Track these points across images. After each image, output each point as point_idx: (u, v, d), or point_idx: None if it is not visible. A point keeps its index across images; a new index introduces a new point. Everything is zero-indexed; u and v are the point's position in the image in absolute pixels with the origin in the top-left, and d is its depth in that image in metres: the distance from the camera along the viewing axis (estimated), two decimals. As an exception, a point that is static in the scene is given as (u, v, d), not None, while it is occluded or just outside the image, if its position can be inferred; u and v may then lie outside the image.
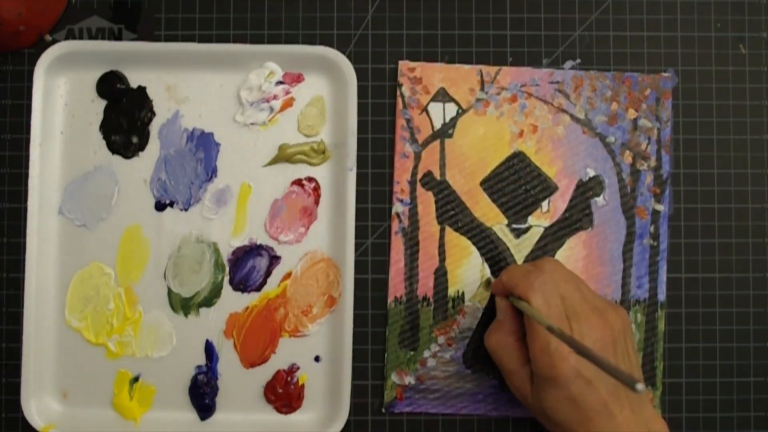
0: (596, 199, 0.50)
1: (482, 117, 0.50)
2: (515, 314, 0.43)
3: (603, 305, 0.42)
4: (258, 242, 0.50)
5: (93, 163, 0.50)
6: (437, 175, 0.50)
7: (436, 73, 0.50)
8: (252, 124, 0.50)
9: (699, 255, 0.50)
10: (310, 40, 0.51)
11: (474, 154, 0.50)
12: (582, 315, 0.41)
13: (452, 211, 0.50)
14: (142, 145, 0.50)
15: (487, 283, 0.50)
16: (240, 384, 0.49)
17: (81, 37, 0.51)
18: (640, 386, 0.31)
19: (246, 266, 0.49)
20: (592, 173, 0.50)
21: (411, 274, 0.50)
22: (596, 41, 0.51)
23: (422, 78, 0.50)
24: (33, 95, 0.49)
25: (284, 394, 0.49)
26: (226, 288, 0.50)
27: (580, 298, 0.42)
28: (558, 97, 0.50)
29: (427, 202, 0.50)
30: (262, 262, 0.50)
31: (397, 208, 0.50)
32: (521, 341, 0.43)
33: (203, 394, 0.49)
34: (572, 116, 0.50)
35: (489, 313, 0.48)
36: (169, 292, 0.49)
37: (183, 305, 0.49)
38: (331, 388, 0.49)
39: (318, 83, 0.50)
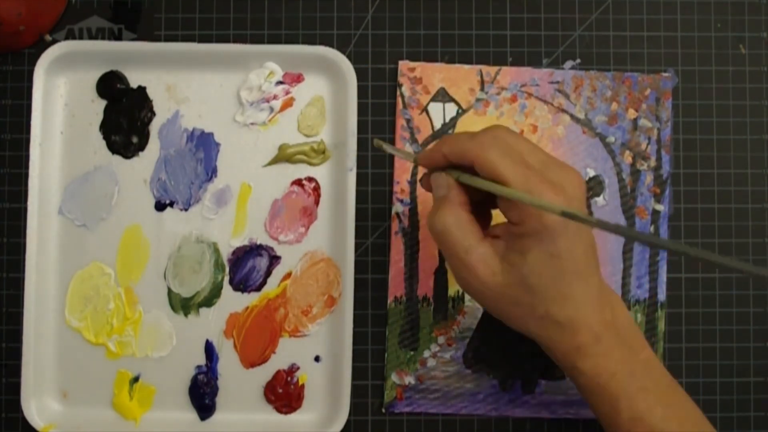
0: (596, 199, 0.50)
1: (482, 117, 0.50)
2: (460, 185, 0.38)
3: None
4: (258, 242, 0.50)
5: (93, 163, 0.50)
6: (437, 175, 0.50)
7: (436, 73, 0.50)
8: (252, 124, 0.50)
9: (699, 255, 0.50)
10: (310, 40, 0.51)
11: (474, 154, 0.50)
12: (552, 163, 0.37)
13: (452, 211, 0.50)
14: (142, 145, 0.50)
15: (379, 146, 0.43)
16: (240, 384, 0.49)
17: (81, 37, 0.51)
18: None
19: (246, 266, 0.49)
20: (592, 173, 0.50)
21: (411, 274, 0.50)
22: (596, 41, 0.51)
23: (422, 78, 0.50)
24: (33, 95, 0.49)
25: (284, 394, 0.49)
26: (226, 288, 0.50)
27: (541, 151, 0.37)
28: (558, 97, 0.50)
29: (427, 202, 0.50)
30: (262, 262, 0.50)
31: (397, 208, 0.50)
32: (472, 215, 0.38)
33: (203, 394, 0.49)
34: (572, 116, 0.50)
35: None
36: (169, 292, 0.50)
37: (183, 305, 0.49)
38: (331, 388, 0.49)
39: (318, 83, 0.50)
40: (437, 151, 0.38)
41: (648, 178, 0.50)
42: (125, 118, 0.50)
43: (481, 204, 0.40)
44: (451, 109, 0.50)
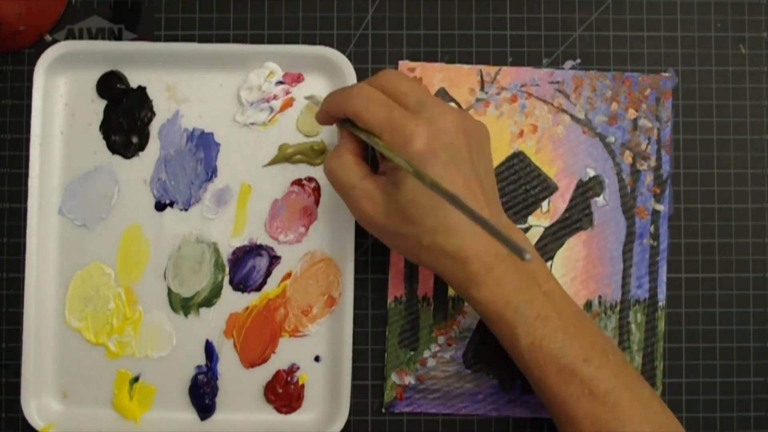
0: (596, 199, 0.50)
1: (482, 117, 0.50)
2: (352, 136, 0.42)
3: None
4: (258, 242, 0.50)
5: (93, 163, 0.50)
6: (437, 175, 0.50)
7: (436, 73, 0.50)
8: (252, 124, 0.50)
9: (699, 255, 0.50)
10: (310, 40, 0.51)
11: (474, 154, 0.50)
12: (430, 103, 0.39)
13: (452, 211, 0.50)
14: (142, 145, 0.50)
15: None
16: (240, 384, 0.49)
17: (81, 37, 0.51)
18: (528, 256, 0.29)
19: (246, 266, 0.50)
20: (592, 173, 0.50)
21: (411, 274, 0.50)
22: (596, 41, 0.51)
23: (422, 78, 0.50)
24: (33, 95, 0.49)
25: (284, 394, 0.49)
26: (226, 288, 0.50)
27: (421, 92, 0.39)
28: (558, 97, 0.50)
29: (427, 202, 0.50)
30: (262, 262, 0.50)
31: (397, 208, 0.50)
32: (361, 158, 0.42)
33: (203, 394, 0.49)
34: (572, 116, 0.50)
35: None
36: (169, 292, 0.50)
37: (183, 305, 0.49)
38: (331, 388, 0.49)
39: (318, 83, 0.50)
40: (323, 110, 0.42)
41: (648, 178, 0.50)
42: (125, 118, 0.50)
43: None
44: (451, 109, 0.50)
